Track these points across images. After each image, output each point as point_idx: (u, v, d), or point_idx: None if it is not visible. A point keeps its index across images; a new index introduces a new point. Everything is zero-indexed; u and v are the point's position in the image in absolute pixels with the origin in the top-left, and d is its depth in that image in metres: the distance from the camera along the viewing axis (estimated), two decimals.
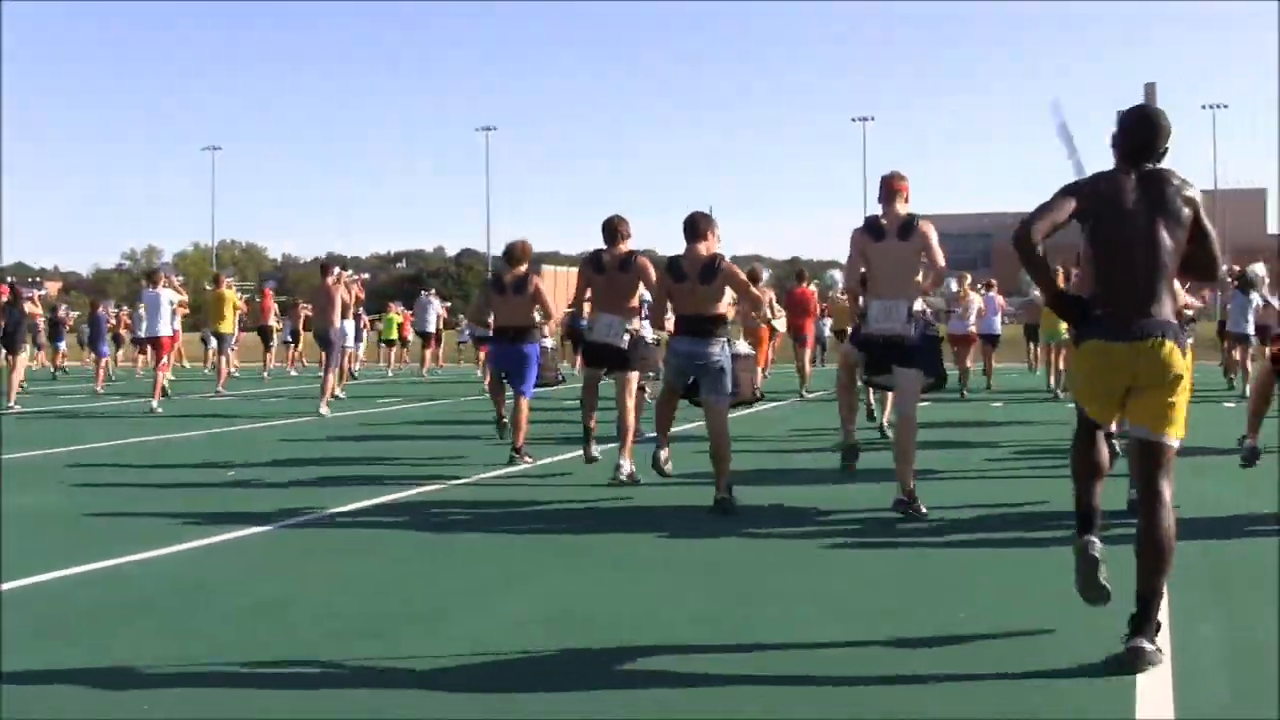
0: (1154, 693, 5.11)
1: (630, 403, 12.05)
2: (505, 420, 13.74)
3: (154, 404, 22.30)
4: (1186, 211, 5.86)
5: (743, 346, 11.81)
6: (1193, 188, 5.92)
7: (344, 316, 22.11)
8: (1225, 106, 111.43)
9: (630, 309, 12.07)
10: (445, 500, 10.92)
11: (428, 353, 36.90)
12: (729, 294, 10.71)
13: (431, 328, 36.63)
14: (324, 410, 20.49)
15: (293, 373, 37.05)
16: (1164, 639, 5.78)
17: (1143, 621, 5.57)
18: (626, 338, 11.90)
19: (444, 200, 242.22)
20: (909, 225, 9.84)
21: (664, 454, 10.86)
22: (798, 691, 5.24)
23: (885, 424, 15.16)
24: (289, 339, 40.44)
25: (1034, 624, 6.29)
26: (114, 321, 38.27)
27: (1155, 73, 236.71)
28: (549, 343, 14.47)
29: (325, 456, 14.24)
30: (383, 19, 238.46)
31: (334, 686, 5.45)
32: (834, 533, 8.98)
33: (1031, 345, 29.53)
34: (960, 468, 12.48)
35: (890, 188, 10.04)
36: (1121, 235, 5.86)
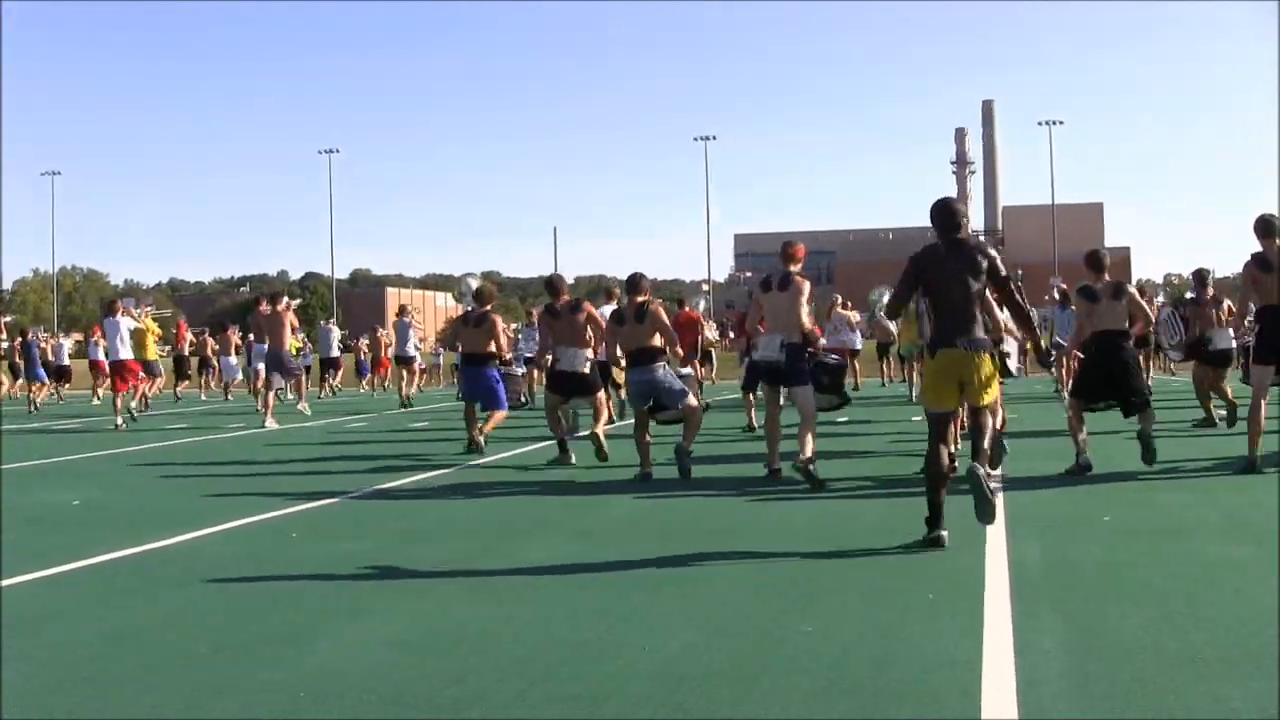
0: (998, 701, 5.13)
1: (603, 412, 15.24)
2: (479, 440, 16.32)
3: (119, 421, 24.43)
4: (984, 263, 8.83)
5: (685, 371, 14.55)
6: (989, 248, 9.05)
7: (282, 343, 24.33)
8: (1061, 123, 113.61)
9: (584, 343, 14.99)
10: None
11: (332, 378, 39.68)
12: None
13: (336, 353, 39.04)
14: (271, 423, 23.17)
15: (203, 397, 39.10)
16: (1006, 642, 5.94)
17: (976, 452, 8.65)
18: (587, 365, 14.87)
19: (288, 224, 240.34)
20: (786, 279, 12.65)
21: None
22: (649, 711, 5.19)
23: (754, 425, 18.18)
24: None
25: (880, 631, 6.32)
26: (42, 347, 38.12)
27: (992, 90, 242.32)
28: (519, 370, 18.01)
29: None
30: (225, 32, 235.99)
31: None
32: (697, 548, 8.95)
33: (884, 361, 32.02)
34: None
35: (786, 252, 13.15)
36: (943, 284, 8.86)
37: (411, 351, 32.51)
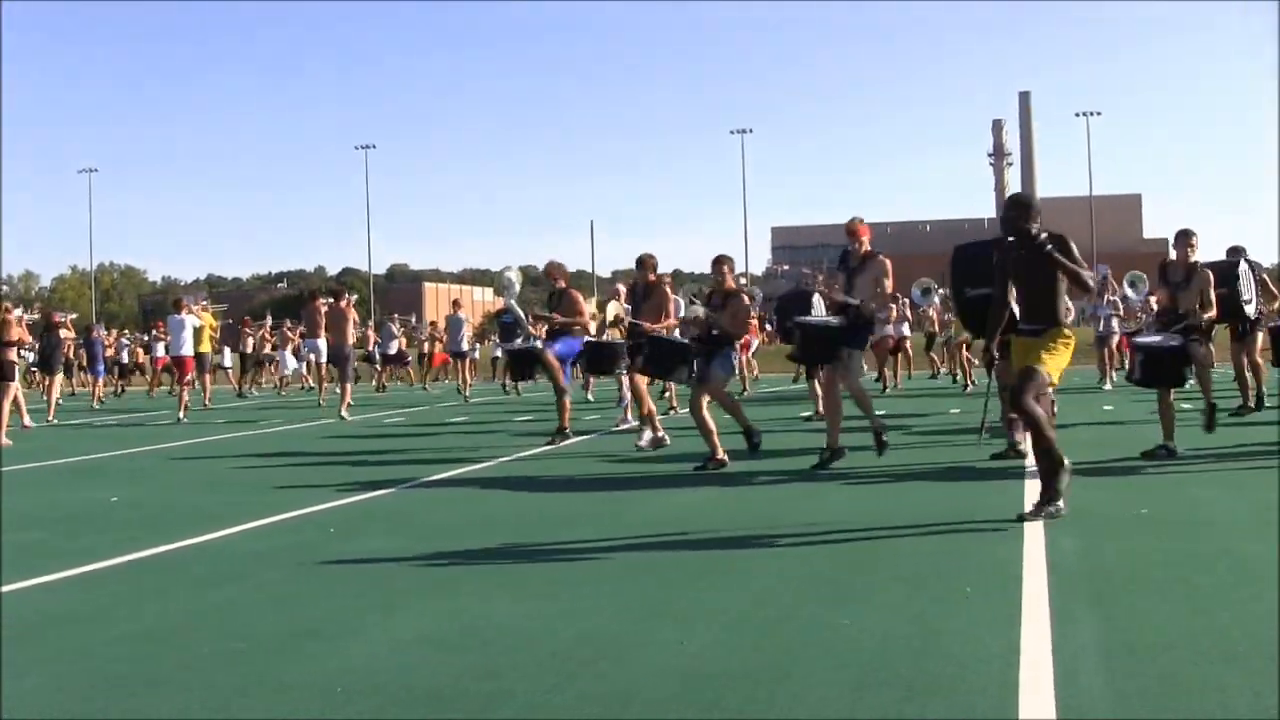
0: (1036, 694, 5.10)
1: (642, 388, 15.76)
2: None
3: (180, 416, 25.32)
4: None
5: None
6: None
7: (345, 337, 25.72)
8: (1099, 114, 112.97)
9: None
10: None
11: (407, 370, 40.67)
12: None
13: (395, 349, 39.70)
14: (345, 414, 23.98)
15: (254, 392, 39.36)
16: (1043, 636, 5.92)
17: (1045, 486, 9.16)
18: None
19: (324, 219, 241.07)
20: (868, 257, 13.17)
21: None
22: (679, 709, 5.17)
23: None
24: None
25: (919, 626, 6.29)
26: (108, 343, 38.96)
27: (1029, 82, 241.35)
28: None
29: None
30: (261, 28, 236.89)
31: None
32: (733, 541, 8.95)
33: (931, 352, 33.47)
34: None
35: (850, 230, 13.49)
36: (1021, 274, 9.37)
37: (465, 346, 32.77)
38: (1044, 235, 9.14)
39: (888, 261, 13.19)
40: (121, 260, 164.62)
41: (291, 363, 38.20)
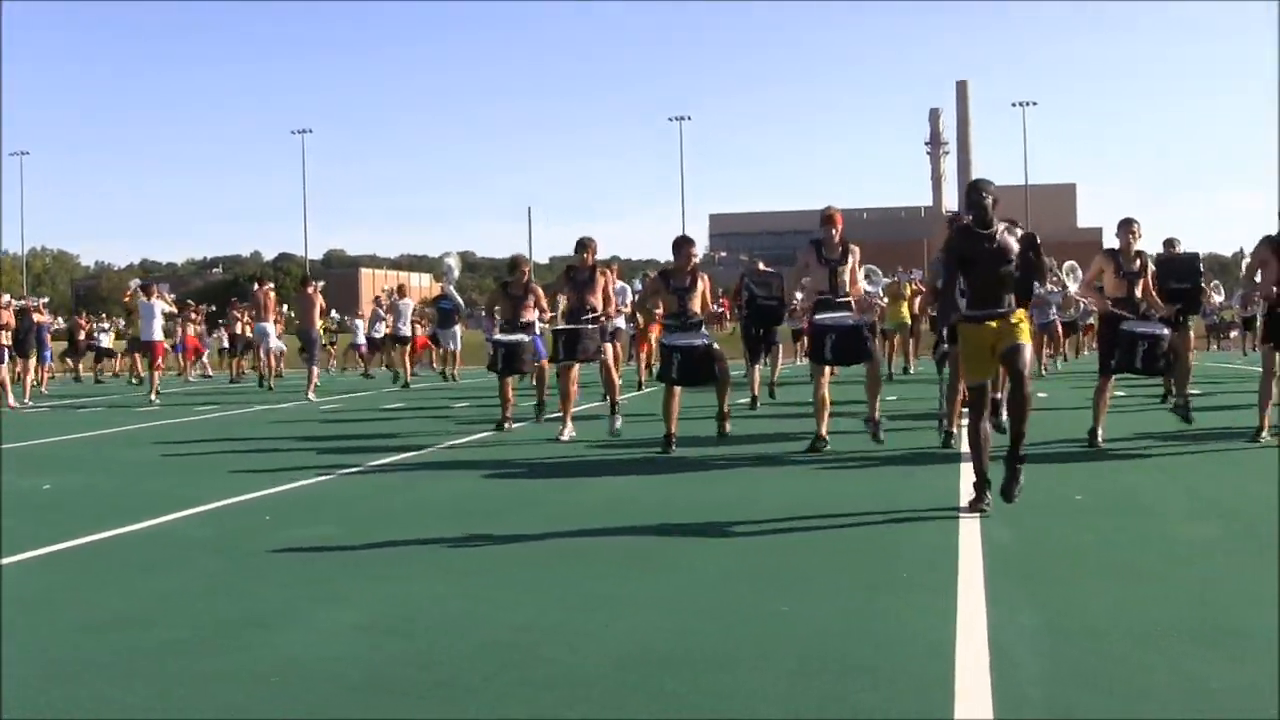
0: (972, 678, 5.15)
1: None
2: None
3: (153, 398, 26.03)
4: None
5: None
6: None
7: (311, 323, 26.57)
8: (1034, 104, 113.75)
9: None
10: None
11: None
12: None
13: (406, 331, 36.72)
14: (311, 396, 24.86)
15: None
16: (980, 622, 5.98)
17: (1014, 458, 8.85)
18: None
19: (260, 204, 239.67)
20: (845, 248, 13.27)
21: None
22: (620, 695, 5.18)
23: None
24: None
25: (857, 612, 6.33)
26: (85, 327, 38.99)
27: (966, 72, 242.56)
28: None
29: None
30: (193, 16, 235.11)
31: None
32: (676, 528, 8.97)
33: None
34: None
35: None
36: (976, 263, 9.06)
37: (408, 330, 32.87)
38: (1020, 233, 9.17)
39: (857, 250, 13.38)
40: (54, 245, 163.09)
41: (276, 345, 37.55)
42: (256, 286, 28.01)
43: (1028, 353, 9.06)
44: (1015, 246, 9.03)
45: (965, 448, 10.06)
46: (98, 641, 6.28)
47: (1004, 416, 11.92)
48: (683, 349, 13.46)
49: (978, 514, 8.84)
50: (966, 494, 9.30)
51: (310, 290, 27.08)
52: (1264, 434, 12.88)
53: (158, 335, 27.74)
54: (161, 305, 28.40)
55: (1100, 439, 12.97)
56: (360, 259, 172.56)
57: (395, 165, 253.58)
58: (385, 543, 8.71)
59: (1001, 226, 9.14)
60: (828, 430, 13.18)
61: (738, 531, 8.74)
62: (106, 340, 44.41)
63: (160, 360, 27.97)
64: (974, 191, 9.24)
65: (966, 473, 9.65)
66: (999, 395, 9.42)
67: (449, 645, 5.96)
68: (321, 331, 29.66)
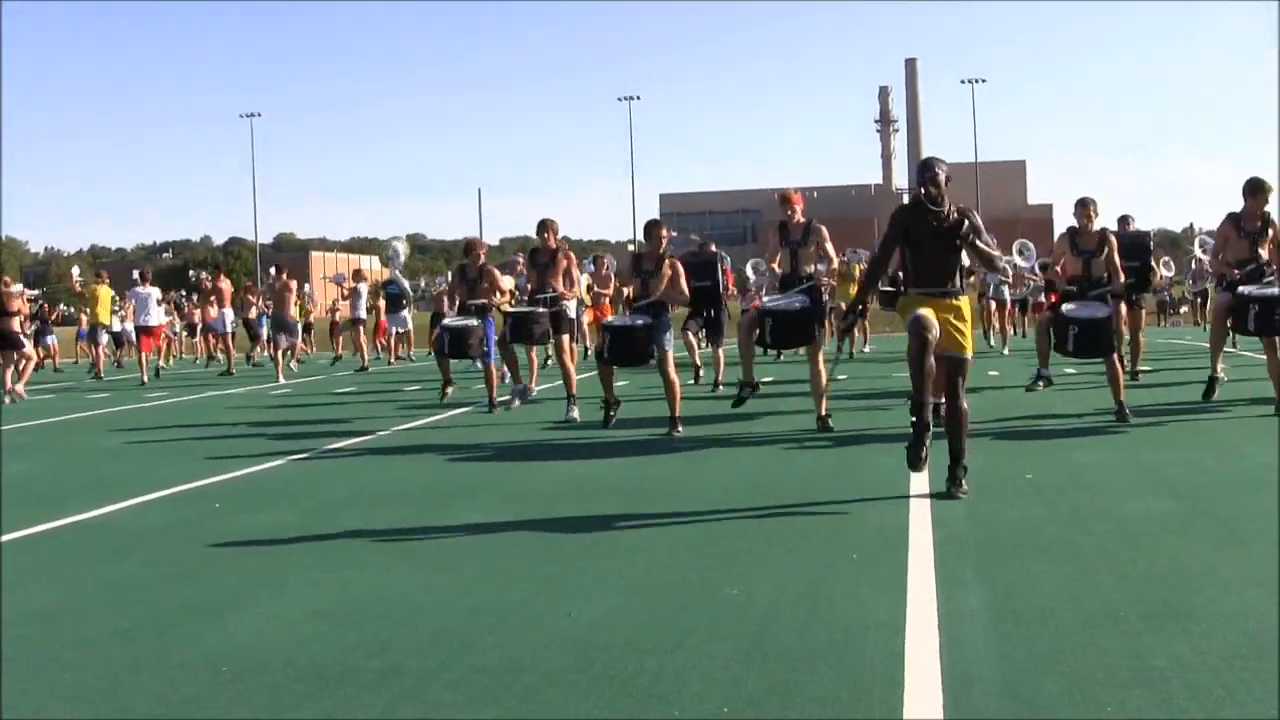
0: (922, 659, 5.17)
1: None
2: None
3: (145, 378, 27.39)
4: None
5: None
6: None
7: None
8: (984, 81, 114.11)
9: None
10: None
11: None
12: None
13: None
14: (281, 378, 25.78)
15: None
16: (929, 602, 6.01)
17: (956, 470, 8.88)
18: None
19: (209, 189, 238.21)
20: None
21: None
22: (570, 681, 5.18)
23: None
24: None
25: (808, 594, 6.35)
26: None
27: (916, 49, 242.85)
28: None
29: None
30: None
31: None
32: (624, 511, 8.95)
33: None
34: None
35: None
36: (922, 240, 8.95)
37: (364, 314, 33.33)
38: (965, 222, 9.06)
39: (824, 228, 13.34)
40: (2, 232, 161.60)
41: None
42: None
43: (968, 367, 9.03)
44: (965, 227, 8.97)
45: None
46: (45, 631, 6.25)
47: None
48: (617, 328, 13.49)
49: (916, 473, 8.95)
50: (919, 476, 9.31)
51: (284, 277, 27.76)
52: (1218, 379, 13.47)
53: (153, 321, 28.55)
54: (155, 291, 29.10)
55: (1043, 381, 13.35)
56: (310, 242, 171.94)
57: (345, 148, 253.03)
58: (337, 528, 8.67)
59: (952, 206, 9.05)
60: (758, 379, 13.41)
61: (689, 513, 8.74)
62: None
63: (158, 345, 29.38)
64: (927, 169, 9.12)
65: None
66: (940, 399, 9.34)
67: (401, 632, 5.95)
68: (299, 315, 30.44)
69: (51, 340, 37.60)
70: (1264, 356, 13.20)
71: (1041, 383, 13.74)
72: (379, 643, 5.77)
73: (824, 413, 13.09)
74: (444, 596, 6.63)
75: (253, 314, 36.13)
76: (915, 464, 8.78)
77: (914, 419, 8.78)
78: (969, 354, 9.00)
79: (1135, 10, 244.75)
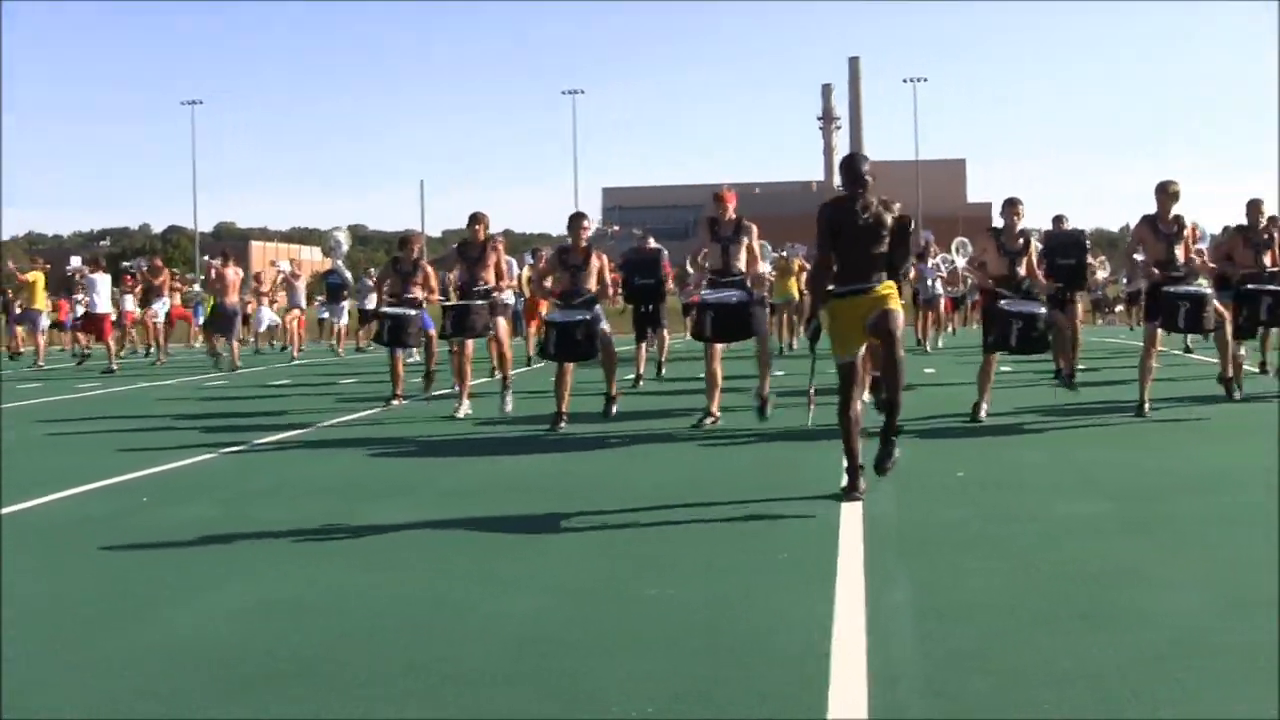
0: (847, 658, 5.16)
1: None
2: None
3: (113, 365, 27.07)
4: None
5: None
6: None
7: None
8: (925, 80, 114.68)
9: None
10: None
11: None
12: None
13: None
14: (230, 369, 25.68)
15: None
16: (858, 601, 6.02)
17: (889, 429, 8.77)
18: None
19: (148, 176, 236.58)
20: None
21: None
22: (501, 679, 5.14)
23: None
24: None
25: (737, 592, 6.34)
26: None
27: (858, 47, 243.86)
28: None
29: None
30: None
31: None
32: (557, 508, 8.89)
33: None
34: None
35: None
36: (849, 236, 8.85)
37: (303, 303, 33.98)
38: (896, 210, 9.04)
39: (754, 226, 13.32)
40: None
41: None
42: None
43: (899, 317, 8.93)
44: (889, 222, 8.94)
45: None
46: None
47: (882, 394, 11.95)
48: (561, 323, 13.43)
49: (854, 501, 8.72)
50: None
51: (231, 268, 27.52)
52: (1145, 408, 13.10)
53: (105, 308, 28.67)
54: (107, 278, 29.40)
55: (984, 414, 13.10)
56: (251, 231, 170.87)
57: (288, 137, 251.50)
58: (267, 524, 8.59)
59: (875, 201, 8.98)
60: (719, 408, 13.21)
61: (621, 510, 8.72)
62: None
63: (113, 332, 28.93)
64: (853, 164, 9.12)
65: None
66: (876, 373, 9.31)
67: (330, 630, 5.91)
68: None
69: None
70: (1211, 359, 13.31)
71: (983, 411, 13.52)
72: (307, 640, 5.73)
73: (765, 393, 13.15)
74: (376, 593, 6.60)
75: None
76: (849, 497, 8.68)
77: (846, 465, 8.88)
78: (897, 307, 8.93)
79: (1076, 10, 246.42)
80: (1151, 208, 13.30)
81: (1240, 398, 14.26)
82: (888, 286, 8.99)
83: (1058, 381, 14.41)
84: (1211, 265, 14.64)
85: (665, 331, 19.65)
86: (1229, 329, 13.68)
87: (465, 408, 14.93)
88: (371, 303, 36.76)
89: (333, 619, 6.10)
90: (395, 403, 16.53)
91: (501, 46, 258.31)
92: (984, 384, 13.28)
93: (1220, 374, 13.91)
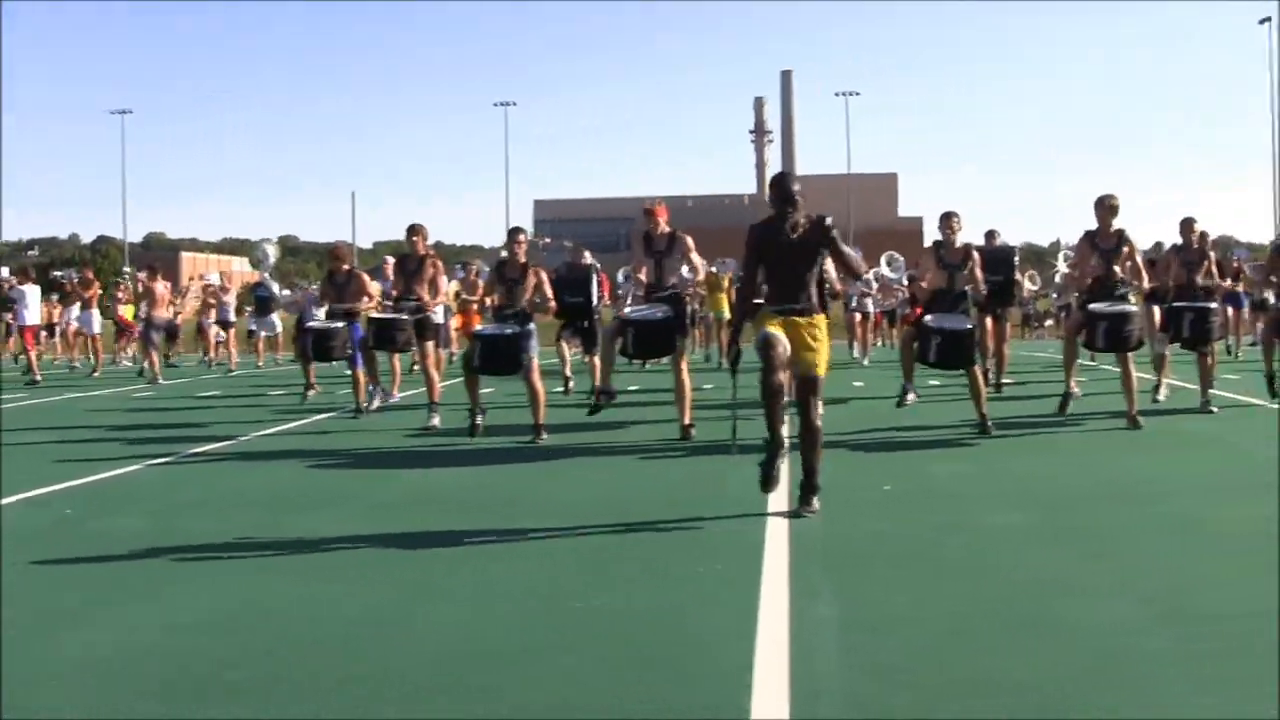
0: (770, 672, 5.18)
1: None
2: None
3: (37, 376, 26.76)
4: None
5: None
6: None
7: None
8: (858, 94, 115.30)
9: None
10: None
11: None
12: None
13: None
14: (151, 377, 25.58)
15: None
16: (782, 614, 6.04)
17: (808, 487, 8.73)
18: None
19: (78, 186, 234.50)
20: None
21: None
22: (429, 691, 5.14)
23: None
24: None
25: (662, 605, 6.36)
26: None
27: (791, 61, 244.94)
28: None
29: None
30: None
31: None
32: (489, 521, 8.90)
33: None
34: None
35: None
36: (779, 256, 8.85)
37: (233, 317, 33.92)
38: (827, 220, 8.90)
39: (689, 238, 13.35)
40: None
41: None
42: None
43: (820, 386, 8.91)
44: (818, 243, 8.90)
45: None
46: None
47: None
48: (488, 336, 13.44)
49: (768, 493, 8.74)
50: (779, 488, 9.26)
51: (158, 279, 27.64)
52: (1071, 395, 13.76)
53: (34, 319, 28.59)
54: (34, 289, 29.08)
55: (910, 397, 13.48)
56: (181, 242, 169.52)
57: (218, 147, 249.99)
58: (195, 537, 8.54)
59: (804, 220, 8.92)
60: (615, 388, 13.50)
61: (549, 524, 8.71)
62: None
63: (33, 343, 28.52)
64: (783, 183, 9.08)
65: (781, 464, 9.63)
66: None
67: (257, 643, 5.90)
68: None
69: None
70: (1146, 375, 13.49)
71: (910, 396, 13.81)
72: (236, 654, 5.71)
73: (687, 421, 13.14)
74: (305, 607, 6.58)
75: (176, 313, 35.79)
76: (766, 485, 8.68)
77: (767, 438, 8.77)
78: (821, 373, 8.89)
79: (1010, 26, 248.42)
80: (1091, 222, 13.42)
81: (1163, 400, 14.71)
82: (819, 321, 8.95)
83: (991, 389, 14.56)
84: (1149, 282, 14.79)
85: (598, 359, 19.62)
86: (1157, 344, 13.84)
87: (382, 400, 15.14)
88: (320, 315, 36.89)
89: (260, 632, 6.08)
90: (311, 392, 17.24)
91: (435, 57, 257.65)
92: (908, 367, 13.71)
93: (1154, 386, 14.02)
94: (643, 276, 13.57)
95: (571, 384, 19.08)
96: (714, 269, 26.67)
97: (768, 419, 8.72)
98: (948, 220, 13.73)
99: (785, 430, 8.74)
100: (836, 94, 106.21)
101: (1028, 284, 29.00)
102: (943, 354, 13.04)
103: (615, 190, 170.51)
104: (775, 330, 8.68)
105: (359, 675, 5.33)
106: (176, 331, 30.88)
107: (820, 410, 8.93)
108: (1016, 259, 17.52)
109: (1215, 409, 14.35)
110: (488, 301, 14.37)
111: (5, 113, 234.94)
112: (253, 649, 5.79)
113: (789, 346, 8.61)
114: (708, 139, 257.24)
